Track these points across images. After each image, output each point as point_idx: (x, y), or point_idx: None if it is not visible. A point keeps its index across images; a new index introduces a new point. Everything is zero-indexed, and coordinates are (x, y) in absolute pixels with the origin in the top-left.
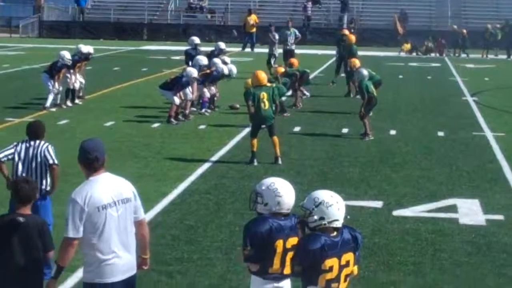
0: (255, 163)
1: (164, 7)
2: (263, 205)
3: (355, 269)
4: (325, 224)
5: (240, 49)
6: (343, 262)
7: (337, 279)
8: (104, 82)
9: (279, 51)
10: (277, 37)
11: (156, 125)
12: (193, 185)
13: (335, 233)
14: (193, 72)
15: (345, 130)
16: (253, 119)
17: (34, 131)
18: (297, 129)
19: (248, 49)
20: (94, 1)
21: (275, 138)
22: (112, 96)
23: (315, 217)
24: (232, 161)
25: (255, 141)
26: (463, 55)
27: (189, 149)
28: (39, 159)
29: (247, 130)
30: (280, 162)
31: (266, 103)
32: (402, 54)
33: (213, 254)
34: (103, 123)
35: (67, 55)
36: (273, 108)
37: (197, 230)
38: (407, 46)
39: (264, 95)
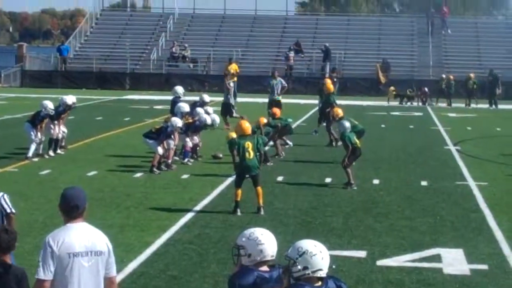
0: (239, 213)
1: (146, 57)
2: (247, 256)
3: None
4: (308, 274)
5: (222, 98)
6: None
7: None
8: (86, 132)
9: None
10: (232, 84)
11: (138, 175)
12: (176, 235)
13: (319, 283)
14: (178, 122)
15: (328, 180)
16: (238, 169)
17: None
18: (280, 178)
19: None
20: (76, 51)
21: (259, 189)
22: (95, 145)
23: (299, 267)
24: (215, 211)
25: (239, 191)
26: (443, 105)
27: (171, 199)
28: None
29: (230, 179)
30: (262, 212)
31: (251, 152)
32: (391, 102)
33: None
34: (85, 173)
35: (49, 105)
36: (258, 157)
37: (180, 281)
38: (392, 89)
39: (249, 144)
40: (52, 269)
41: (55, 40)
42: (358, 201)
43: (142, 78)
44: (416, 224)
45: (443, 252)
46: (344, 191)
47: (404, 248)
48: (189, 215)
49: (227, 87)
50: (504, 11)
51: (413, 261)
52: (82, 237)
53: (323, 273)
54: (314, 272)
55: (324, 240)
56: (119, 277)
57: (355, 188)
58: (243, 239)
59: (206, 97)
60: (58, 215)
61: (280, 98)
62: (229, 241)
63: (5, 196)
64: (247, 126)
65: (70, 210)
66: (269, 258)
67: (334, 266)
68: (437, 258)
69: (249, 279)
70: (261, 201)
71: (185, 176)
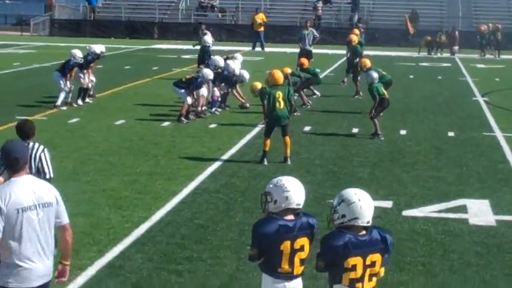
0: (265, 163)
1: (175, 6)
2: (273, 203)
3: (382, 271)
4: (347, 222)
5: (250, 48)
6: (368, 262)
7: (361, 279)
8: (114, 81)
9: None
10: (208, 39)
11: (166, 123)
12: (203, 184)
13: (363, 232)
14: (209, 74)
15: (355, 130)
16: (268, 119)
17: (25, 131)
18: (307, 128)
19: (258, 49)
20: (105, 0)
21: (287, 138)
22: (123, 94)
23: (337, 215)
24: (242, 160)
25: (268, 141)
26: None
27: (199, 148)
28: (33, 164)
29: (257, 129)
30: (289, 162)
31: (282, 102)
32: (421, 52)
33: (223, 253)
34: (113, 122)
35: (78, 53)
36: (288, 108)
37: (207, 229)
38: (428, 38)
39: (279, 94)
40: (1, 227)
41: None
42: (385, 151)
43: (170, 28)
44: (443, 175)
45: (469, 203)
46: (371, 142)
47: (430, 198)
48: (216, 164)
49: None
50: None
51: (439, 211)
52: (28, 191)
53: (360, 222)
54: (351, 220)
55: None
56: (146, 225)
57: (382, 138)
58: (270, 185)
59: (239, 57)
60: (87, 163)
61: (311, 48)
62: (255, 191)
63: (46, 151)
64: (279, 75)
65: (11, 163)
66: (294, 205)
67: (379, 217)
68: (463, 209)
69: (272, 227)
70: (288, 152)
71: (212, 126)
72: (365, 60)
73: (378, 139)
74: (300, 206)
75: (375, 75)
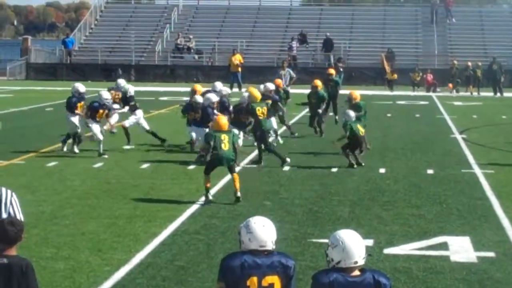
0: (210, 197)
1: (151, 49)
2: (241, 242)
3: None
4: (335, 265)
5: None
6: None
7: None
8: None
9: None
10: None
11: (145, 165)
12: (183, 226)
13: (357, 273)
14: (213, 96)
15: (334, 169)
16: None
17: None
18: (286, 168)
19: (235, 89)
20: (81, 43)
21: (236, 175)
22: None
23: (328, 259)
24: (221, 201)
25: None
26: (474, 94)
27: (178, 190)
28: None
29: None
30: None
31: (227, 144)
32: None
33: None
34: (92, 165)
35: (105, 95)
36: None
37: (188, 271)
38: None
39: (225, 137)
40: None
41: (60, 33)
42: (365, 190)
43: (147, 70)
44: (423, 212)
45: (450, 240)
46: (350, 180)
47: (411, 236)
48: (196, 206)
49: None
50: None
51: (420, 249)
52: None
53: (348, 263)
54: (338, 263)
55: (332, 229)
56: (126, 268)
57: (355, 167)
58: (241, 225)
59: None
60: (66, 206)
61: (288, 88)
62: (235, 231)
63: (15, 197)
64: (224, 122)
65: None
66: (257, 248)
67: (370, 255)
68: (444, 246)
69: (237, 261)
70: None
71: (191, 167)
72: (354, 92)
73: (353, 168)
74: (266, 248)
75: (352, 114)
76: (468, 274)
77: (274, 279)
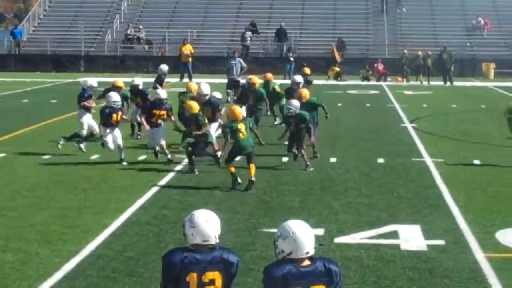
0: (239, 181)
1: (100, 39)
2: (185, 236)
3: None
4: (286, 256)
5: (178, 79)
6: None
7: None
8: (41, 115)
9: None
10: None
11: (95, 156)
12: (134, 216)
13: (308, 262)
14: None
15: (285, 159)
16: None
17: None
18: (237, 159)
19: (186, 79)
20: (30, 34)
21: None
22: (50, 128)
23: (277, 250)
24: (172, 191)
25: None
26: (425, 83)
27: (129, 181)
28: None
29: (185, 161)
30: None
31: (245, 133)
32: (330, 80)
33: (154, 286)
34: (41, 156)
35: (115, 97)
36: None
37: (138, 262)
38: (335, 69)
39: (241, 125)
40: None
41: (8, 23)
42: (316, 179)
43: (96, 60)
44: (374, 201)
45: (400, 228)
46: (301, 171)
47: (361, 225)
48: (146, 196)
49: None
50: None
51: (371, 238)
52: None
53: (300, 254)
54: (289, 254)
55: (282, 219)
56: (76, 259)
57: (312, 169)
58: (186, 218)
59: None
60: (15, 198)
61: (239, 78)
62: (184, 222)
63: None
64: (239, 111)
65: None
66: (200, 241)
67: (321, 244)
68: (394, 234)
69: (176, 257)
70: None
71: (142, 157)
72: (304, 91)
73: (309, 170)
74: (209, 243)
75: (296, 103)
76: (418, 263)
77: (215, 275)
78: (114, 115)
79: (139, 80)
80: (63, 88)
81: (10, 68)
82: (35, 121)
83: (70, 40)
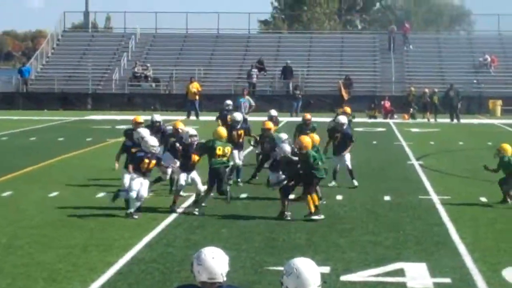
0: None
1: (108, 77)
2: (193, 274)
3: None
4: None
5: (185, 117)
6: None
7: None
8: (48, 153)
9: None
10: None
11: (101, 194)
12: (140, 254)
13: None
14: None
15: (291, 196)
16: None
17: None
18: (243, 195)
19: (193, 117)
20: (37, 72)
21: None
22: (57, 166)
23: (282, 287)
24: (178, 230)
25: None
26: (431, 120)
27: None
28: None
29: (192, 198)
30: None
31: None
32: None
33: None
34: (48, 194)
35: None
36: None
37: None
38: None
39: None
40: None
41: (16, 62)
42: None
43: (104, 99)
44: (380, 239)
45: (407, 266)
46: (308, 208)
47: (367, 263)
48: (152, 234)
49: None
50: (466, 26)
51: (377, 275)
52: None
53: None
54: None
55: (289, 256)
56: None
57: (318, 217)
58: (193, 256)
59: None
60: (21, 236)
61: (247, 116)
62: (192, 260)
63: None
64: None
65: None
66: (206, 280)
67: (325, 282)
68: (400, 272)
69: None
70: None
71: (148, 195)
72: (307, 138)
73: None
74: (215, 280)
75: (287, 148)
76: None
77: None
78: (146, 160)
79: (159, 117)
80: (71, 126)
81: (17, 106)
82: (42, 159)
83: (77, 78)
